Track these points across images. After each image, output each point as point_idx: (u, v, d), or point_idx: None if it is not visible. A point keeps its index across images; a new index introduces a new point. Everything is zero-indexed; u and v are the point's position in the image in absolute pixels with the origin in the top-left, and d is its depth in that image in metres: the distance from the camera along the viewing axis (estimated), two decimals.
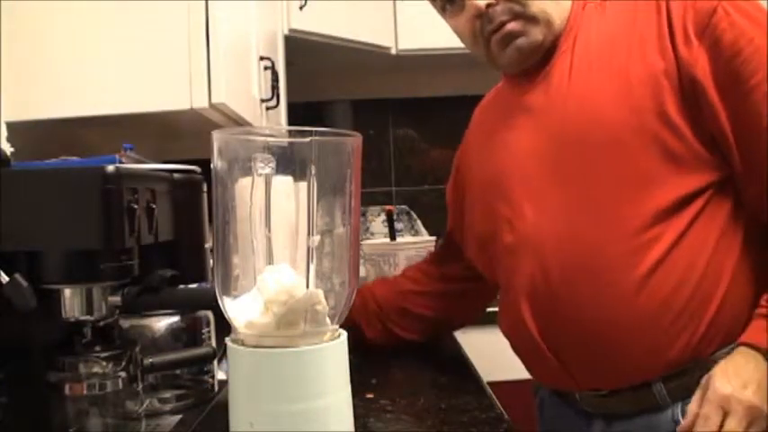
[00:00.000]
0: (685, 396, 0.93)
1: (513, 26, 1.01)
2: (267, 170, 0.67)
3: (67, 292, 0.86)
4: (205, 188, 1.03)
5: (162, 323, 1.00)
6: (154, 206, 0.90)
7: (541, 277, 1.00)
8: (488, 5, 1.00)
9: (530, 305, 1.02)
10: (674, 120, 0.92)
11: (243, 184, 0.68)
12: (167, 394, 1.00)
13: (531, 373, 1.14)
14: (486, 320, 1.97)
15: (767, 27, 0.90)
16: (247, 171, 0.67)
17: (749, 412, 0.86)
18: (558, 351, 1.01)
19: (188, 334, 1.02)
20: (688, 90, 0.92)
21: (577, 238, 0.97)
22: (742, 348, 0.90)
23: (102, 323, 0.90)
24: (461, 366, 1.36)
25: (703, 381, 0.90)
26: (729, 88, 0.91)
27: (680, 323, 0.94)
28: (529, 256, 1.01)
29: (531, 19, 1.01)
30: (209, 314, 1.06)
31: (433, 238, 1.76)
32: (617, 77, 0.96)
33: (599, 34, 1.02)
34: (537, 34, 1.01)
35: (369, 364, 1.39)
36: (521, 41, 1.02)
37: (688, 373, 0.95)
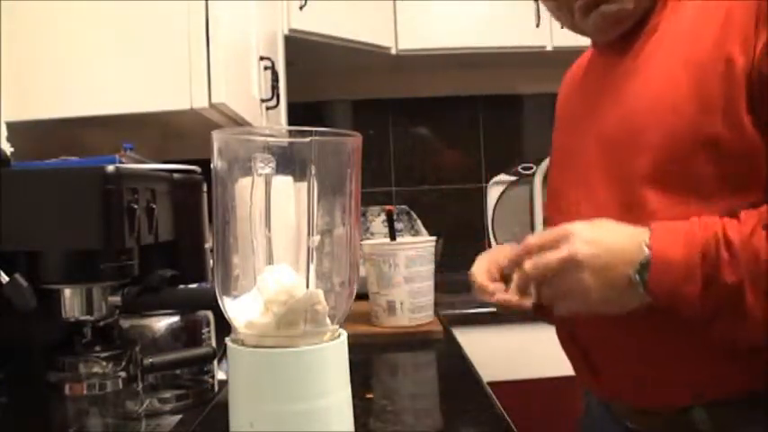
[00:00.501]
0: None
1: None
2: (267, 170, 0.67)
3: (67, 292, 0.86)
4: (205, 188, 1.03)
5: (162, 323, 1.00)
6: (154, 206, 0.90)
7: None
8: None
9: None
10: (745, 123, 0.81)
11: (243, 184, 0.68)
12: (167, 394, 1.00)
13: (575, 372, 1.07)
14: (485, 320, 1.99)
15: None
16: (247, 171, 0.67)
17: (565, 261, 0.79)
18: (588, 352, 0.97)
19: (188, 334, 1.02)
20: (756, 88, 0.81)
21: None
22: (651, 226, 0.80)
23: (102, 323, 0.90)
24: (461, 366, 1.36)
25: None
26: None
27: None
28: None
29: None
30: (209, 314, 1.06)
31: (434, 238, 1.75)
32: (693, 67, 0.86)
33: (690, 17, 0.90)
34: (627, 2, 0.92)
35: (369, 364, 1.39)
36: (606, 8, 0.93)
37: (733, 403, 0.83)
